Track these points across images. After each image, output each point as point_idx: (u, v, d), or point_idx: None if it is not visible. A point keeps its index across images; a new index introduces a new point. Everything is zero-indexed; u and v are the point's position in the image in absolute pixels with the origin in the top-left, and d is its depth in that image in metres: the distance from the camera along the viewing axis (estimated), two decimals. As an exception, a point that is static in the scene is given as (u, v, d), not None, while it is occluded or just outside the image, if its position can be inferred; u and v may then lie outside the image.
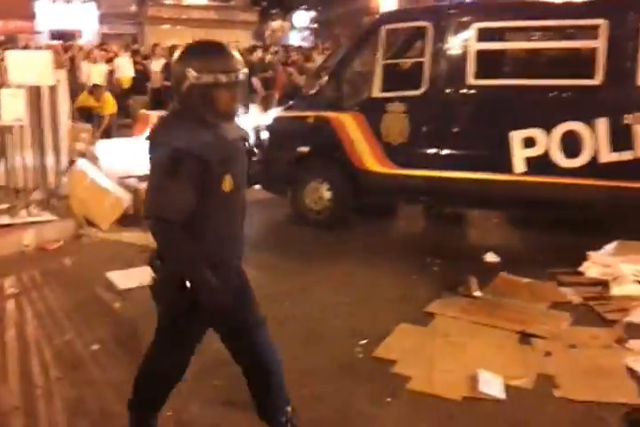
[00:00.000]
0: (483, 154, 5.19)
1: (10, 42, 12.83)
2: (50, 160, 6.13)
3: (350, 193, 5.65)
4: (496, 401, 2.97)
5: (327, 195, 5.71)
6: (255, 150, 6.08)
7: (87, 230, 5.68)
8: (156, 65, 11.00)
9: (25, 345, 3.62)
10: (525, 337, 3.59)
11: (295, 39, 16.31)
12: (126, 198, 6.06)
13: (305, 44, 14.46)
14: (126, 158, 6.68)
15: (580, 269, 4.52)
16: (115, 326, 3.84)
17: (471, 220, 6.20)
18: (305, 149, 5.70)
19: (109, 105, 8.98)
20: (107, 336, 3.68)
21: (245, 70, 2.23)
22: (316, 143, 5.71)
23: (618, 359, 3.32)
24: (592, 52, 4.85)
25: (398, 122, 5.34)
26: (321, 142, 5.70)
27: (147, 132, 6.95)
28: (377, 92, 5.42)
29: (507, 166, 5.04)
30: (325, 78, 5.78)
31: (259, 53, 10.57)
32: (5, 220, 5.57)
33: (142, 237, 5.58)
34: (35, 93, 5.86)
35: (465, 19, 5.16)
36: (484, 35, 5.13)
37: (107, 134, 8.64)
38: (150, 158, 2.22)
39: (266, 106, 8.09)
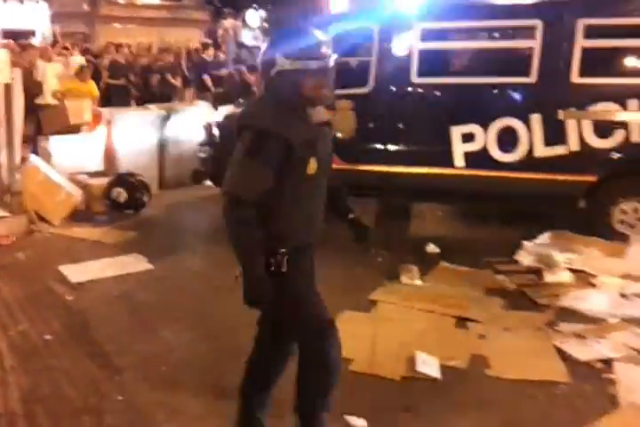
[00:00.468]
0: (426, 149, 5.42)
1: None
2: (3, 157, 6.13)
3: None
4: (432, 380, 3.16)
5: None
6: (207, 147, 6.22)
7: (39, 226, 5.69)
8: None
9: (-22, 336, 3.66)
10: (462, 321, 3.80)
11: (247, 38, 16.35)
12: (77, 194, 6.09)
13: (257, 43, 14.53)
14: (78, 155, 6.69)
15: (515, 257, 4.77)
16: (67, 317, 3.91)
17: (416, 213, 6.42)
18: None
19: (93, 88, 8.91)
20: (59, 327, 3.75)
21: (334, 56, 2.25)
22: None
23: (547, 341, 3.54)
24: (528, 51, 5.11)
25: (346, 119, 5.51)
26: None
27: (98, 129, 6.92)
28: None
29: (448, 161, 5.27)
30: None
31: (210, 52, 10.64)
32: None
33: (93, 233, 5.64)
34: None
35: (408, 20, 5.35)
36: (426, 35, 5.34)
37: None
38: (237, 141, 2.24)
39: (217, 103, 8.16)
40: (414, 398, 3.02)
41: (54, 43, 11.77)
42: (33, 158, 6.30)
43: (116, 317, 3.93)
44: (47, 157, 6.43)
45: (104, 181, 6.26)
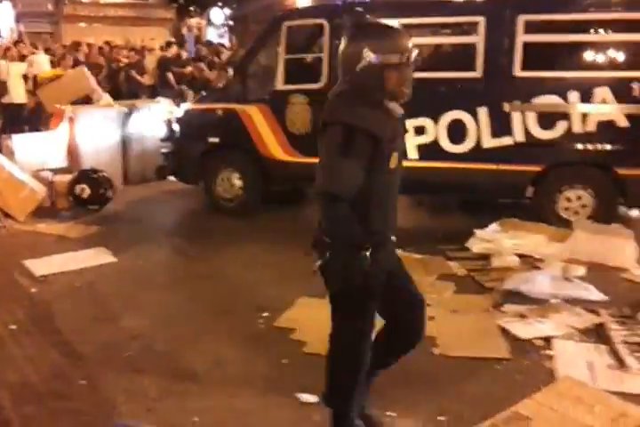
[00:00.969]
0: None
1: None
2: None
3: (260, 181, 5.97)
4: (381, 359, 3.36)
5: (238, 183, 6.01)
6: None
7: (4, 222, 5.76)
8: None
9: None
10: (413, 304, 4.01)
11: (213, 36, 16.38)
12: (41, 191, 6.16)
13: (222, 41, 14.59)
14: (41, 152, 6.74)
15: (467, 245, 5.00)
16: (31, 308, 4.02)
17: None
18: (215, 139, 5.97)
19: None
20: (24, 317, 3.86)
21: (416, 50, 2.27)
22: (226, 134, 5.99)
23: (493, 321, 3.75)
24: (473, 47, 5.33)
25: (301, 113, 5.68)
26: (230, 133, 5.98)
27: (61, 126, 6.96)
28: (280, 85, 5.75)
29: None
30: (231, 72, 6.05)
31: (173, 50, 10.70)
32: None
33: (58, 228, 5.72)
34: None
35: (357, 16, 5.52)
36: None
37: None
38: (323, 138, 2.24)
39: (180, 100, 8.25)
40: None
41: (17, 42, 11.68)
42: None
43: (79, 307, 4.04)
44: (10, 155, 6.47)
45: (68, 177, 6.32)
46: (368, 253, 2.23)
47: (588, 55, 5.35)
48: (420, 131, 5.41)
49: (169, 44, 11.27)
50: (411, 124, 5.39)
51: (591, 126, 5.11)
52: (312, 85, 5.66)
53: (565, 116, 5.14)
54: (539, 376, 3.15)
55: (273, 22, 5.94)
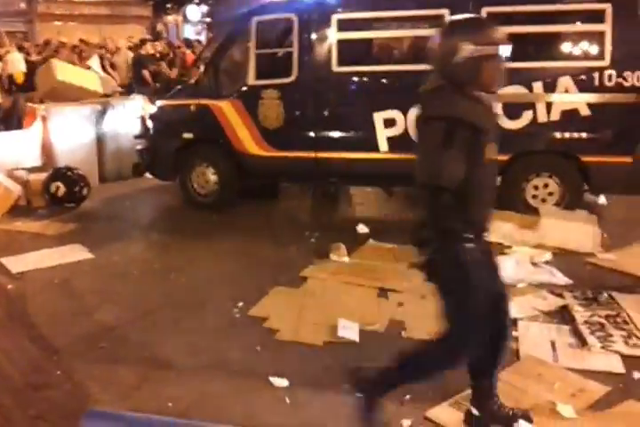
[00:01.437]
0: (352, 135, 5.71)
1: None
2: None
3: (234, 176, 6.03)
4: (352, 343, 3.45)
5: (213, 178, 6.07)
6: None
7: (-20, 221, 5.78)
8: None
9: None
10: (383, 292, 4.10)
11: (190, 33, 16.34)
12: (16, 190, 6.17)
13: (199, 38, 14.56)
14: (15, 150, 6.74)
15: (439, 233, 5.11)
16: (7, 304, 4.08)
17: (348, 195, 6.72)
18: (189, 135, 6.02)
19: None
20: (0, 313, 3.91)
21: (509, 43, 2.31)
22: (199, 130, 6.05)
23: (459, 305, 3.89)
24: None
25: (273, 107, 5.75)
26: (203, 129, 6.04)
27: (35, 125, 6.96)
28: (252, 80, 5.81)
29: (373, 145, 5.57)
30: (203, 68, 6.10)
31: (148, 47, 10.70)
32: None
33: (33, 226, 5.75)
34: None
35: (325, 10, 5.60)
36: (343, 25, 5.58)
37: None
38: (424, 132, 2.29)
39: (155, 97, 8.27)
40: (334, 358, 3.29)
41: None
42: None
43: (55, 302, 4.09)
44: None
45: (43, 176, 6.33)
46: (472, 245, 2.28)
47: (552, 46, 5.47)
48: (389, 123, 5.51)
49: (143, 42, 11.27)
50: (380, 116, 5.52)
51: (555, 115, 5.23)
52: (283, 80, 5.73)
53: (530, 106, 5.26)
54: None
55: (242, 18, 5.99)
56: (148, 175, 6.73)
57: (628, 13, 5.03)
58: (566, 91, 5.19)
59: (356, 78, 5.68)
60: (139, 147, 6.42)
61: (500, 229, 5.05)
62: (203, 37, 13.74)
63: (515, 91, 5.28)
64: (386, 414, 2.77)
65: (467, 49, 2.22)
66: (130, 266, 4.77)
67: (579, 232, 4.81)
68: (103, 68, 10.48)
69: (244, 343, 3.48)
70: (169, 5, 20.26)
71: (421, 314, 3.78)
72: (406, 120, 5.47)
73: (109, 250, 5.08)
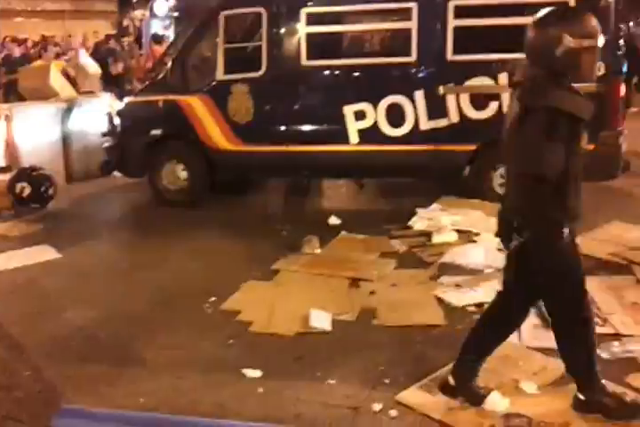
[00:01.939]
0: (322, 128, 5.72)
1: None
2: None
3: (205, 172, 6.00)
4: (324, 333, 3.47)
5: (183, 175, 6.03)
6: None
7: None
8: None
9: None
10: (355, 282, 4.13)
11: (157, 28, 16.07)
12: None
13: (167, 33, 14.37)
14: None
15: (409, 223, 5.15)
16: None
17: (320, 188, 6.73)
18: (157, 132, 5.97)
19: None
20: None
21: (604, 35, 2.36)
22: (168, 126, 6.00)
23: (430, 292, 3.91)
24: (407, 32, 5.46)
25: (243, 102, 5.74)
26: (172, 125, 6.00)
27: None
28: (221, 74, 5.78)
29: (343, 138, 5.59)
30: (170, 64, 6.05)
31: (112, 43, 10.57)
32: None
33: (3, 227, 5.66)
34: None
35: (294, 4, 5.60)
36: (313, 19, 5.59)
37: None
38: (526, 122, 2.30)
39: (124, 94, 8.18)
40: (306, 349, 3.32)
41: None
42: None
43: (23, 302, 4.04)
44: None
45: (7, 176, 6.22)
46: (567, 232, 2.36)
47: (516, 37, 5.52)
48: (360, 116, 5.53)
49: (108, 38, 11.12)
50: (351, 109, 5.54)
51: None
52: (253, 74, 5.71)
53: (496, 96, 5.33)
54: (470, 339, 3.32)
55: (210, 12, 5.94)
56: (116, 173, 6.66)
57: (589, 4, 5.12)
58: None
59: (325, 72, 5.69)
60: (106, 145, 6.35)
61: (469, 216, 5.14)
62: (170, 32, 13.54)
63: (481, 82, 5.36)
64: (356, 400, 2.82)
65: (570, 40, 2.27)
66: (99, 265, 4.73)
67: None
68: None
69: (216, 337, 3.48)
70: (134, 0, 19.95)
71: (393, 302, 3.85)
72: (376, 112, 5.49)
73: (77, 250, 5.02)
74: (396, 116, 5.49)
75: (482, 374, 2.89)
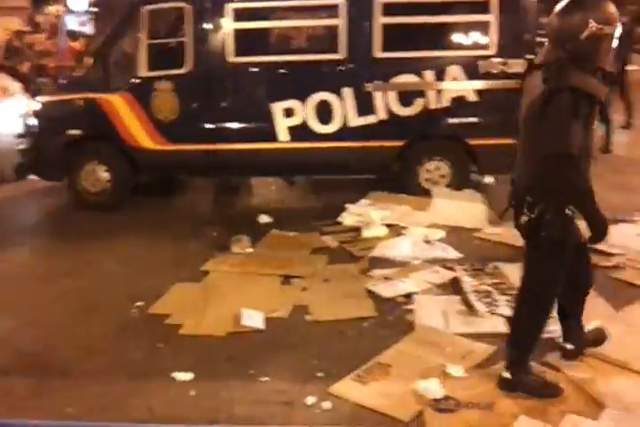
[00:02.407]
0: (250, 126, 5.65)
1: None
2: None
3: (127, 173, 5.79)
4: (257, 331, 3.44)
5: (105, 176, 5.78)
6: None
7: None
8: None
9: None
10: (287, 279, 4.12)
11: (73, 24, 15.43)
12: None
13: (83, 29, 13.85)
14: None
15: (339, 219, 5.18)
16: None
17: (249, 187, 6.66)
18: (76, 132, 5.73)
19: None
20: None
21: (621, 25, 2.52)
22: (88, 126, 5.76)
23: (360, 285, 3.96)
24: (335, 29, 5.47)
25: (167, 99, 5.59)
26: (92, 124, 5.76)
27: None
28: (144, 71, 5.60)
29: (272, 136, 5.55)
30: (90, 60, 5.81)
31: (17, 42, 10.06)
32: None
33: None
34: None
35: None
36: (239, 15, 5.49)
37: None
38: (543, 101, 2.45)
39: (38, 92, 7.81)
40: (238, 349, 3.28)
41: None
42: None
43: None
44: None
45: None
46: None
47: (441, 36, 5.67)
48: (289, 113, 5.51)
49: (18, 34, 10.58)
50: (280, 106, 5.50)
51: (445, 102, 5.44)
52: (177, 71, 5.57)
53: (422, 93, 5.43)
54: (400, 329, 3.40)
55: (132, 7, 5.72)
56: (32, 177, 6.32)
57: (512, 4, 5.30)
58: (455, 78, 5.40)
59: (252, 68, 5.61)
60: (21, 146, 6.02)
61: (396, 211, 5.23)
62: (87, 29, 13.03)
63: (407, 79, 5.45)
64: (289, 395, 2.80)
65: (594, 26, 2.44)
66: (18, 273, 4.49)
67: (468, 210, 5.06)
68: None
69: (144, 342, 3.39)
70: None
71: (325, 297, 3.87)
72: (305, 109, 5.48)
73: (-6, 257, 4.76)
74: (325, 113, 5.50)
75: (410, 361, 2.97)
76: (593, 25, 2.44)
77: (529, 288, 2.73)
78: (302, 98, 5.49)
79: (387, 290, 3.85)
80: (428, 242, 4.62)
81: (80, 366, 3.16)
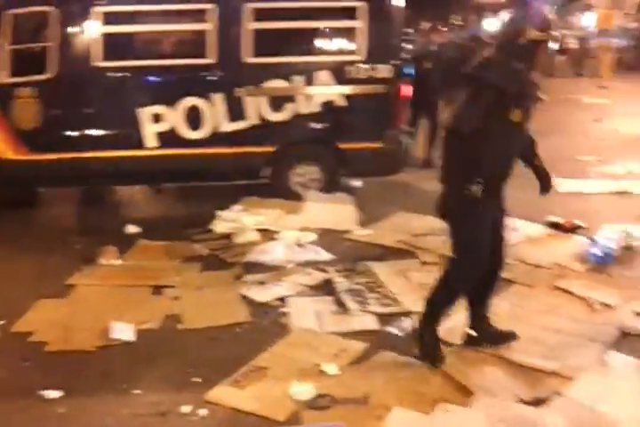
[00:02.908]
0: (116, 132, 5.51)
1: None
2: None
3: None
4: (127, 344, 3.38)
5: (-44, 189, 5.39)
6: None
7: None
8: None
9: None
10: (158, 289, 4.06)
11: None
12: None
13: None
14: None
15: (211, 226, 5.17)
16: None
17: (115, 196, 6.46)
18: None
19: None
20: None
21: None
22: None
23: (234, 291, 4.00)
24: (205, 34, 5.44)
25: (29, 107, 5.31)
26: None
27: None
28: (4, 77, 5.28)
29: (139, 142, 5.44)
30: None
31: None
32: None
33: None
34: None
35: (84, 3, 5.30)
36: (106, 18, 5.32)
37: None
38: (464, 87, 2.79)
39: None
40: (109, 362, 3.21)
41: None
42: None
43: None
44: None
45: None
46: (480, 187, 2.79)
47: (310, 41, 5.85)
48: (157, 118, 5.43)
49: None
50: (147, 112, 5.41)
51: (315, 107, 5.61)
52: (40, 77, 5.30)
53: (292, 98, 5.56)
54: (275, 332, 3.48)
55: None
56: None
57: (380, 11, 5.55)
58: (324, 83, 5.57)
59: (118, 74, 5.45)
60: None
61: (269, 215, 5.31)
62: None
63: (277, 84, 5.56)
64: (164, 406, 2.80)
65: (531, 33, 2.79)
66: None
67: (338, 213, 5.27)
68: None
69: (8, 361, 3.22)
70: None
71: (197, 304, 3.86)
72: (174, 115, 5.42)
73: None
74: (195, 118, 5.47)
75: (285, 363, 3.06)
76: (531, 31, 2.80)
77: (458, 253, 2.98)
78: (171, 103, 5.43)
79: (261, 294, 3.92)
80: (300, 245, 4.75)
81: None
